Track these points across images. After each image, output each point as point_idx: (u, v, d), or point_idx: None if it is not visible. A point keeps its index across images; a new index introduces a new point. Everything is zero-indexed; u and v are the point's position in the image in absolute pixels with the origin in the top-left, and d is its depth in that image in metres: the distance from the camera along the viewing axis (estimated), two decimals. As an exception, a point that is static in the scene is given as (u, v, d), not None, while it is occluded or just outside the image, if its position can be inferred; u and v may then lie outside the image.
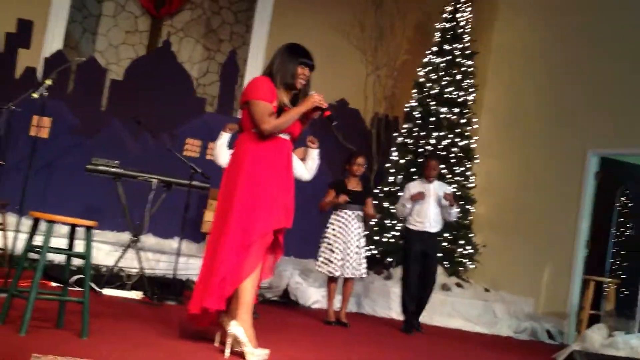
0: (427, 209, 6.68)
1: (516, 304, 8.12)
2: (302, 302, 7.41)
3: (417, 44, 10.62)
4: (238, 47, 11.00)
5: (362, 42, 10.52)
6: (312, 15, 10.40)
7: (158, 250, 7.65)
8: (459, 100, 9.05)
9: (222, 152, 5.44)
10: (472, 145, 9.02)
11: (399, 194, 8.70)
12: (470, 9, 9.46)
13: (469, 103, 9.16)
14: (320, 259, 6.52)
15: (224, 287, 3.99)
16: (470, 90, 9.17)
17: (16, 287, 4.01)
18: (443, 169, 8.67)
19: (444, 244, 8.31)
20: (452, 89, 9.03)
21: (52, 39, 9.51)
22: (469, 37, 9.37)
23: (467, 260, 8.60)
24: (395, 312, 7.48)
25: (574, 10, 8.81)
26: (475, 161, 9.04)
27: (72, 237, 4.24)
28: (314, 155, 5.78)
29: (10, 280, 4.64)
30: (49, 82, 5.36)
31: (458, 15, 9.36)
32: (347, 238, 6.43)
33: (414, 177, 8.64)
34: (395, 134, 9.52)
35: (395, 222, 8.56)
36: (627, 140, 7.85)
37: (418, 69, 9.39)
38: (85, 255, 4.04)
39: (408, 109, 9.28)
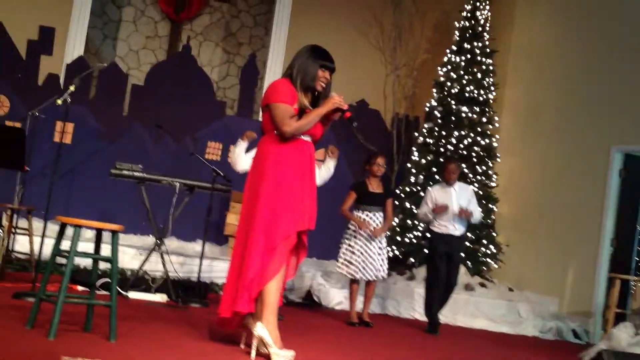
0: (449, 212, 6.66)
1: (541, 303, 8.06)
2: (325, 303, 7.42)
3: (436, 43, 10.59)
4: (257, 50, 11.04)
5: (381, 42, 10.51)
6: (330, 16, 10.40)
7: (181, 253, 7.70)
8: (479, 99, 9.00)
9: (240, 159, 5.58)
10: (494, 144, 8.97)
11: (421, 194, 8.70)
12: (489, 7, 9.41)
13: (490, 102, 9.11)
14: (341, 260, 6.53)
15: (251, 290, 4.02)
16: (491, 88, 9.12)
17: (44, 291, 4.05)
18: (465, 168, 8.64)
19: (467, 243, 8.27)
20: (473, 87, 8.98)
21: (73, 45, 9.60)
22: (489, 36, 9.32)
23: (490, 259, 8.54)
24: (419, 313, 7.45)
25: (594, 5, 8.73)
26: (497, 160, 8.98)
27: (98, 241, 4.29)
28: (329, 165, 5.85)
29: (37, 285, 4.70)
30: (72, 88, 5.40)
31: (477, 13, 9.31)
32: (368, 239, 6.43)
33: (436, 176, 8.64)
34: (415, 134, 9.49)
35: (417, 222, 8.53)
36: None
37: (438, 68, 9.35)
38: (111, 259, 4.08)
39: (428, 109, 9.24)
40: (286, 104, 4.08)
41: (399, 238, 8.58)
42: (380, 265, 6.49)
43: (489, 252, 8.52)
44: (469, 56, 9.15)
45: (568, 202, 8.48)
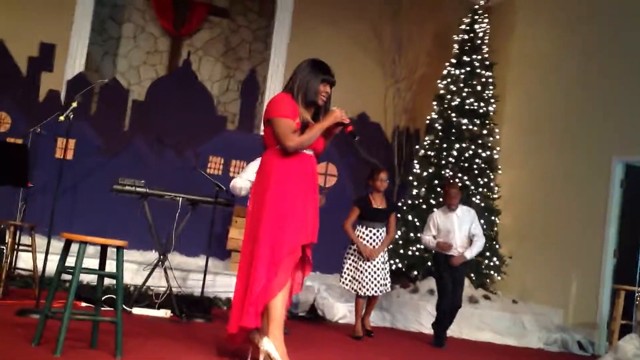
0: (453, 238, 6.65)
1: (545, 315, 8.02)
2: (329, 317, 7.39)
3: (435, 56, 10.62)
4: (257, 64, 11.06)
5: (380, 55, 10.55)
6: (329, 30, 10.43)
7: (184, 268, 7.67)
8: (480, 111, 9.01)
9: (243, 190, 5.95)
10: (495, 156, 8.97)
11: (423, 206, 8.71)
12: (487, 19, 9.45)
13: (490, 114, 9.12)
14: (345, 275, 6.52)
15: (257, 305, 4.00)
16: (491, 101, 9.13)
17: (50, 308, 4.03)
18: (466, 181, 8.64)
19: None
20: (473, 100, 9.00)
21: (73, 62, 9.62)
22: (487, 48, 9.35)
23: (493, 272, 8.52)
24: (424, 326, 7.43)
25: (593, 17, 8.76)
26: (499, 172, 8.98)
27: (103, 257, 4.27)
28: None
29: (42, 302, 4.68)
30: (75, 104, 5.41)
31: (476, 26, 9.34)
32: (373, 259, 6.44)
33: (437, 189, 8.64)
34: (416, 147, 9.50)
35: (420, 235, 8.51)
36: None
37: (437, 81, 9.38)
38: (117, 275, 4.06)
39: (429, 121, 9.26)
40: (288, 118, 4.08)
41: (402, 251, 8.57)
42: (384, 280, 6.50)
43: (492, 264, 8.50)
44: (468, 69, 9.17)
45: (570, 213, 8.47)
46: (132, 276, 7.00)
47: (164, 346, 4.55)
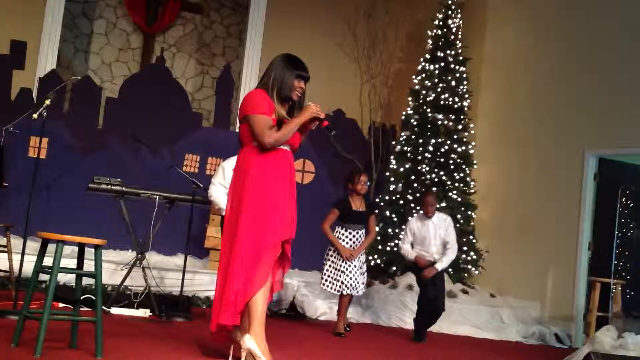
0: (429, 245, 6.67)
1: (523, 308, 8.10)
2: (310, 314, 7.38)
3: (410, 51, 10.65)
4: (232, 60, 11.00)
5: (355, 52, 10.55)
6: (304, 26, 10.41)
7: (162, 267, 7.60)
8: (455, 106, 9.06)
9: (222, 200, 6.01)
10: (470, 151, 9.02)
11: (400, 202, 8.73)
12: (460, 15, 9.49)
13: (465, 109, 9.17)
14: (326, 277, 6.49)
15: (237, 302, 3.97)
16: (465, 96, 9.18)
17: (28, 309, 3.96)
18: (443, 176, 8.68)
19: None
20: (448, 95, 9.04)
21: (45, 59, 9.48)
22: (461, 44, 9.39)
23: (471, 266, 8.58)
24: (404, 321, 7.47)
25: (565, 12, 8.85)
26: (474, 167, 9.04)
27: (81, 256, 4.20)
28: None
29: (20, 303, 4.60)
30: (48, 102, 5.33)
31: (449, 22, 9.38)
32: (353, 259, 6.44)
33: (414, 184, 8.66)
34: (393, 143, 9.52)
35: (397, 230, 8.53)
36: (624, 141, 7.87)
37: (412, 77, 9.40)
38: (95, 274, 4.00)
39: (404, 117, 9.28)
40: (265, 114, 4.06)
41: (380, 247, 8.58)
42: (363, 279, 6.52)
43: (470, 258, 8.55)
44: (442, 64, 9.21)
45: (545, 207, 8.55)
46: (110, 276, 6.91)
47: (144, 345, 4.50)
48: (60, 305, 5.68)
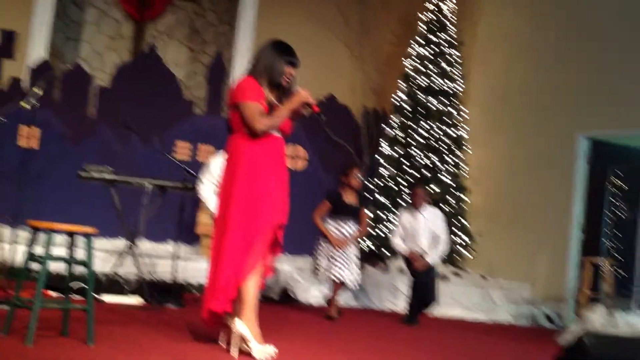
0: (419, 239, 6.69)
1: (514, 289, 8.15)
2: (302, 299, 7.41)
3: (402, 36, 10.61)
4: (223, 47, 10.96)
5: (347, 37, 10.51)
6: (296, 11, 10.37)
7: (153, 254, 7.61)
8: (447, 90, 9.06)
9: (210, 199, 5.88)
10: (463, 135, 9.04)
11: (393, 187, 8.75)
12: (454, -1, 9.48)
13: (458, 93, 9.17)
14: (319, 267, 6.49)
15: (228, 288, 3.99)
16: (458, 80, 9.18)
17: (18, 297, 3.98)
18: (436, 160, 8.70)
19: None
20: (440, 79, 9.04)
21: (35, 48, 9.44)
22: (454, 28, 9.37)
23: (463, 249, 8.62)
24: (396, 304, 7.52)
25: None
26: (467, 151, 9.05)
27: (72, 244, 4.21)
28: None
29: (11, 292, 4.61)
30: (38, 90, 5.32)
31: (442, 5, 9.37)
32: (344, 248, 6.45)
33: (405, 167, 8.68)
34: (385, 127, 9.52)
35: (389, 214, 8.56)
36: (615, 122, 7.90)
37: (404, 59, 9.38)
38: (87, 262, 4.02)
39: (397, 102, 9.28)
40: (255, 101, 4.06)
41: (372, 231, 8.61)
42: (357, 270, 6.54)
43: (461, 241, 8.59)
44: (435, 48, 9.19)
45: (537, 189, 8.58)
46: (101, 264, 6.90)
47: (136, 332, 4.52)
48: (52, 293, 5.68)
